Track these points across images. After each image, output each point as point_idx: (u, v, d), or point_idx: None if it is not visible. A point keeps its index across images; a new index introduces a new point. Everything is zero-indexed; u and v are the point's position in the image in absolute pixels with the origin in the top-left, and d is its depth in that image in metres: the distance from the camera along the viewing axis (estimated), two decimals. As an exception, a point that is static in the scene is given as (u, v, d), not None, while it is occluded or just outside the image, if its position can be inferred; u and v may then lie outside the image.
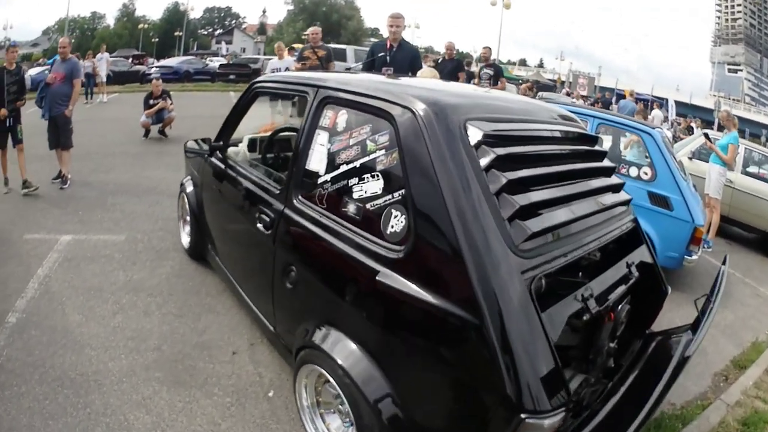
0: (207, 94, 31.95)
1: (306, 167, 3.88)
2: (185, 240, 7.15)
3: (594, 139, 4.39)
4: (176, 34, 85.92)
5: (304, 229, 3.72)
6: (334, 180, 3.58)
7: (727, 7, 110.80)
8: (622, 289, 3.50)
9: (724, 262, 4.36)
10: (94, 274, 6.36)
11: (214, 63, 45.34)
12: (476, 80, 14.04)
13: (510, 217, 2.76)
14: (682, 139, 12.86)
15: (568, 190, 3.37)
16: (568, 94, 37.56)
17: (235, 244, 5.27)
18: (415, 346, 2.91)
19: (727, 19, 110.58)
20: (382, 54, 9.26)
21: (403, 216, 3.00)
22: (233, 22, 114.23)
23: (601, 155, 4.24)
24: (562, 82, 59.80)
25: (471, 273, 2.55)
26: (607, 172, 4.13)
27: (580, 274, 3.55)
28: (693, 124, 31.60)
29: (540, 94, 30.41)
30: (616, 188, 4.11)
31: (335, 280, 3.45)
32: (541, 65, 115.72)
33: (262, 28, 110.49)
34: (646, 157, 8.12)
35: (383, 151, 3.22)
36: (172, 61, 43.42)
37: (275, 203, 4.14)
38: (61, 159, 10.18)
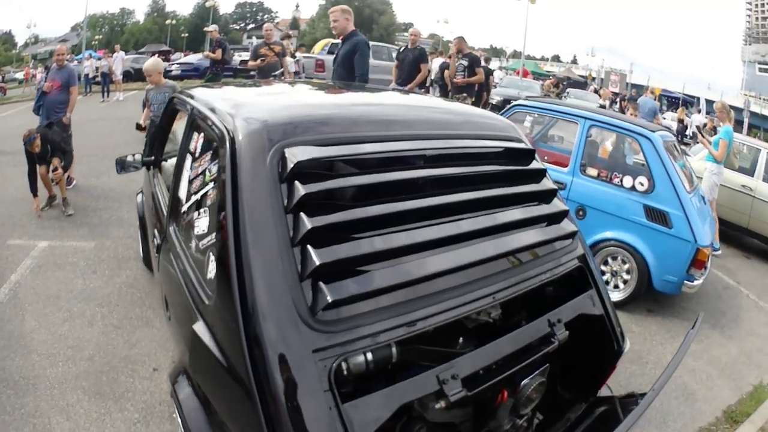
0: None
1: (176, 193, 3.72)
2: (141, 248, 7.11)
3: (525, 155, 3.65)
4: (205, 29, 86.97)
5: (168, 262, 3.58)
6: (187, 211, 3.38)
7: (757, 5, 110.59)
8: (535, 356, 2.93)
9: (693, 326, 3.53)
10: (57, 282, 6.66)
11: (243, 58, 45.61)
12: (451, 72, 13.51)
13: (306, 278, 2.30)
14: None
15: (433, 234, 2.73)
16: (595, 91, 37.04)
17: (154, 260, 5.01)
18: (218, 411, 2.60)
19: (757, 18, 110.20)
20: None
21: (213, 261, 2.65)
22: (265, 16, 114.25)
23: (533, 176, 3.58)
24: (593, 78, 59.50)
25: (244, 344, 2.22)
26: (543, 197, 3.47)
27: (460, 341, 3.02)
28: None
29: (567, 91, 29.95)
30: (552, 218, 3.41)
31: (183, 321, 3.14)
32: (574, 61, 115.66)
33: (294, 23, 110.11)
34: (643, 165, 7.34)
35: (212, 184, 2.93)
36: (193, 58, 43.28)
37: (162, 228, 4.03)
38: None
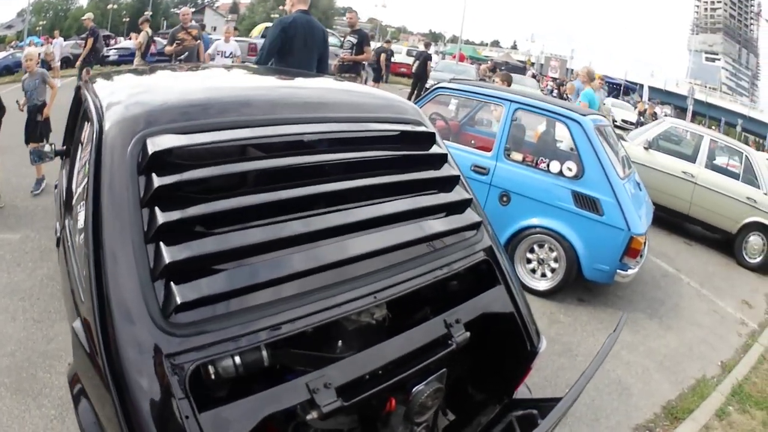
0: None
1: (70, 186, 3.67)
2: None
3: (425, 139, 3.46)
4: (146, 13, 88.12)
5: (62, 257, 3.54)
6: (74, 205, 3.22)
7: None
8: (428, 360, 2.76)
9: (615, 328, 3.30)
10: (-17, 276, 6.49)
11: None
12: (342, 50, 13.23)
13: (158, 277, 2.20)
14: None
15: (303, 227, 2.61)
16: (533, 76, 37.42)
17: None
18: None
19: (706, 9, 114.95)
20: None
21: (83, 258, 2.52)
22: (205, 0, 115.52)
23: (432, 161, 3.40)
24: (532, 64, 60.35)
25: (101, 347, 2.12)
26: (442, 184, 3.31)
27: (339, 344, 2.83)
28: (658, 110, 31.28)
29: None
30: (453, 207, 3.26)
31: (70, 319, 2.94)
32: (514, 47, 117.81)
33: (234, 7, 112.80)
34: (572, 149, 7.19)
35: (86, 176, 2.71)
36: (130, 43, 42.89)
37: (61, 221, 3.94)
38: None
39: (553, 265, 7.12)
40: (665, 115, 27.74)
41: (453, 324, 2.89)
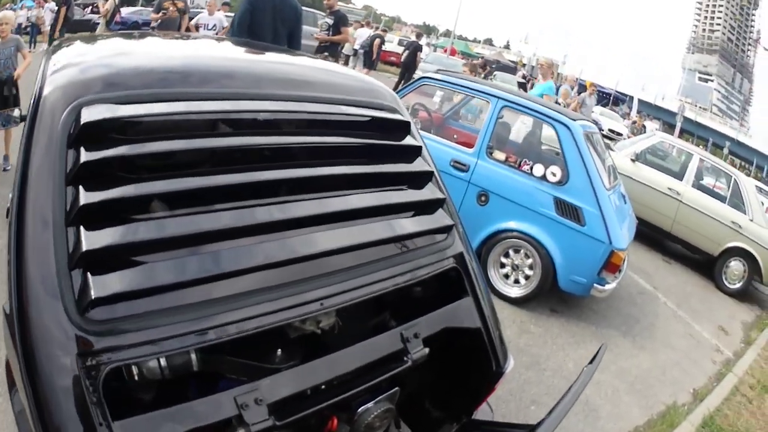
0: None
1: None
2: None
3: (398, 128, 3.16)
4: None
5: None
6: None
7: (706, 17, 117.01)
8: (378, 378, 2.55)
9: (593, 360, 3.08)
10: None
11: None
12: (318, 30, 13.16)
13: (75, 266, 1.99)
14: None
15: (245, 218, 2.34)
16: (524, 77, 37.47)
17: None
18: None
19: (704, 29, 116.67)
20: None
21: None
22: None
23: (404, 154, 3.13)
24: (524, 65, 60.52)
25: (18, 340, 1.95)
26: (413, 180, 3.03)
27: (279, 354, 2.58)
28: (648, 123, 31.40)
29: (495, 74, 30.36)
30: (422, 207, 2.97)
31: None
32: (507, 46, 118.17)
33: None
34: (558, 154, 6.98)
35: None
36: (122, 11, 42.86)
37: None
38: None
39: (528, 272, 6.90)
40: (656, 129, 27.76)
41: (411, 338, 2.66)
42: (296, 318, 2.37)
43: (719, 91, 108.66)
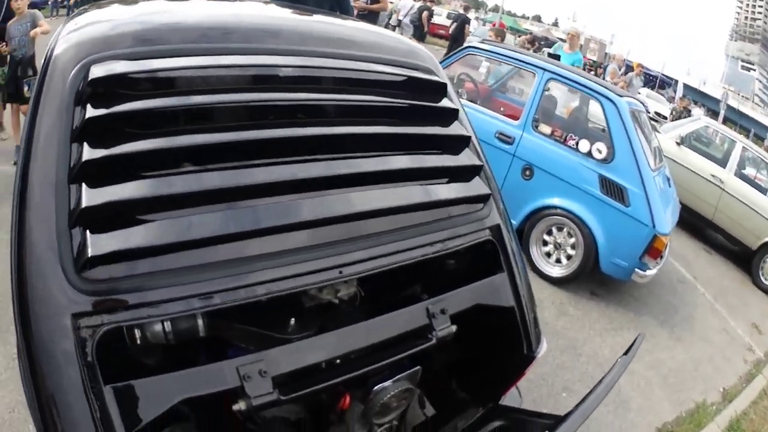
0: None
1: None
2: None
3: (434, 89, 2.98)
4: None
5: None
6: None
7: (748, 5, 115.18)
8: (398, 355, 2.39)
9: (627, 351, 2.89)
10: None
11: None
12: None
13: (75, 223, 1.96)
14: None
15: (260, 176, 2.24)
16: None
17: None
18: None
19: (746, 17, 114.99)
20: None
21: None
22: None
23: (439, 116, 2.91)
24: None
25: (15, 296, 1.92)
26: (448, 144, 2.84)
27: (292, 324, 2.44)
28: (693, 109, 31.01)
29: (543, 50, 30.25)
30: (456, 173, 2.80)
31: None
32: (555, 24, 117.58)
33: None
34: (604, 130, 6.80)
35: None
36: None
37: None
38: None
39: (570, 251, 6.80)
40: (703, 114, 27.39)
41: (437, 314, 2.49)
42: (310, 286, 2.26)
43: (761, 81, 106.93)
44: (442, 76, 3.09)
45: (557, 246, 6.87)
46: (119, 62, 2.21)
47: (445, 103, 2.95)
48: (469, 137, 2.89)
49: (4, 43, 7.92)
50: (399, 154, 2.61)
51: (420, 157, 2.68)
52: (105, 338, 1.87)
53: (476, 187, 2.79)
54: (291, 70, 2.62)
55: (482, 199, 2.80)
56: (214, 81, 2.53)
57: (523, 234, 6.91)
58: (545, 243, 6.93)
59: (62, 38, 2.37)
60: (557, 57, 11.48)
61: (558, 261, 6.89)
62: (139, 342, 2.06)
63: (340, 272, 2.28)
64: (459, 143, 2.84)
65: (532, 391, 3.34)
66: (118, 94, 2.17)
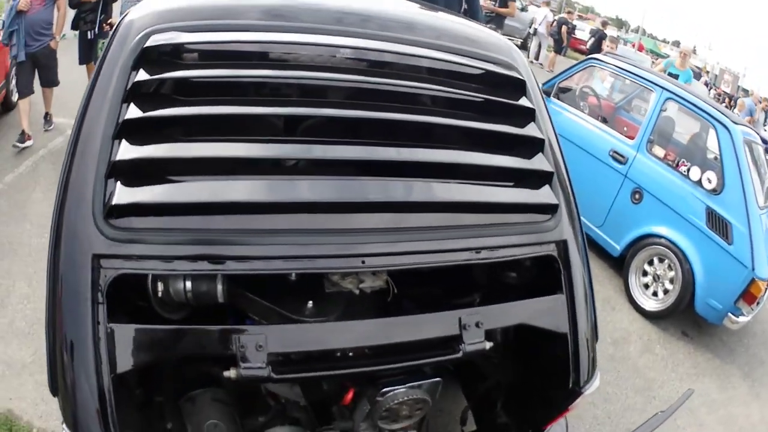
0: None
1: None
2: None
3: (513, 86, 2.84)
4: None
5: None
6: None
7: None
8: (412, 362, 2.38)
9: (674, 404, 2.87)
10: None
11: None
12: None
13: (110, 174, 2.14)
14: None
15: (302, 152, 2.35)
16: (706, 84, 36.81)
17: None
18: None
19: None
20: None
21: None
22: None
23: (514, 115, 2.76)
24: (707, 72, 58.62)
25: (53, 234, 2.14)
26: (519, 146, 2.70)
27: (309, 306, 2.45)
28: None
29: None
30: (524, 178, 2.66)
31: None
32: (694, 51, 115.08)
33: None
34: (716, 159, 6.49)
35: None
36: None
37: None
38: (46, 98, 8.56)
39: (668, 286, 6.56)
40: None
41: (470, 326, 2.37)
42: (328, 269, 2.32)
43: None
44: (522, 71, 2.94)
45: (656, 278, 6.63)
46: (176, 33, 2.38)
47: (522, 101, 2.79)
48: (543, 140, 2.72)
49: (110, 22, 8.48)
50: (462, 149, 2.53)
51: (484, 155, 2.57)
52: (119, 281, 2.03)
53: (544, 195, 2.63)
54: (350, 51, 2.61)
55: (549, 209, 2.63)
56: (272, 57, 2.57)
57: (624, 260, 6.76)
58: (645, 273, 6.70)
59: (134, 9, 2.56)
60: (675, 76, 11.15)
61: (654, 294, 6.67)
62: (160, 295, 2.22)
63: (363, 262, 2.24)
64: (532, 146, 2.68)
65: (593, 429, 3.13)
66: (170, 62, 2.36)
